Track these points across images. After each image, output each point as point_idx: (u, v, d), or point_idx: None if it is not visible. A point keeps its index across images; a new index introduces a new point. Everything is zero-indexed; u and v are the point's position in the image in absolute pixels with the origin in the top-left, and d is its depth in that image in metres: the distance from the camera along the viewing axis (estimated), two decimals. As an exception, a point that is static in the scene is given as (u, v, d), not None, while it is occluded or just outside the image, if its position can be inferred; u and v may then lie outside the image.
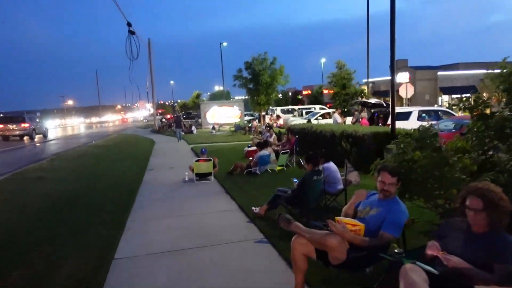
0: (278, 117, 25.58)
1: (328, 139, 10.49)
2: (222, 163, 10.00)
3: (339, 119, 13.78)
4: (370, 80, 55.68)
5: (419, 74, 43.33)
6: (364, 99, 15.03)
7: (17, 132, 26.15)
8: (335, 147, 10.12)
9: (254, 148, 12.68)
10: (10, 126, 25.92)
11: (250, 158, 9.57)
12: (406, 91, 20.24)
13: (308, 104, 49.37)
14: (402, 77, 43.67)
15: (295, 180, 5.10)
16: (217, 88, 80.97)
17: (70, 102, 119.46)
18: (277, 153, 9.98)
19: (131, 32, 15.58)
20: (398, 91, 22.58)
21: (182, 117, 43.12)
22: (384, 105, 13.17)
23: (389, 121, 13.30)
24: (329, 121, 22.85)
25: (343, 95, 17.63)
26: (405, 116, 13.52)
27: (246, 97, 50.11)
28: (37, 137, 27.35)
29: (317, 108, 30.29)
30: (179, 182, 9.22)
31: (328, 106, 36.48)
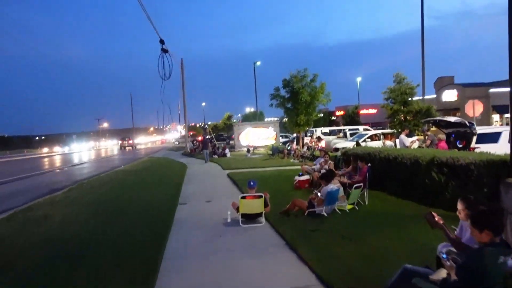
0: (319, 139, 23.23)
1: (409, 168, 8.11)
2: (270, 198, 7.85)
3: (407, 142, 11.39)
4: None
5: (468, 91, 39.81)
6: (440, 117, 12.52)
7: None
8: (420, 179, 7.73)
9: (306, 177, 10.49)
10: None
11: (314, 195, 7.35)
12: (473, 109, 17.45)
13: (344, 125, 46.70)
14: (449, 94, 40.36)
15: (444, 256, 2.81)
16: (248, 109, 79.92)
17: (105, 125, 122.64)
18: (343, 186, 7.72)
19: (164, 50, 14.30)
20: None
21: (214, 139, 41.84)
22: (467, 124, 10.65)
23: (473, 144, 10.75)
24: (378, 143, 20.32)
25: (405, 113, 15.17)
26: (493, 137, 10.92)
27: (280, 118, 48.21)
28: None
29: (361, 129, 27.73)
30: (219, 224, 7.12)
31: (368, 126, 33.75)
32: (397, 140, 20.23)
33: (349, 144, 21.04)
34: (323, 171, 9.88)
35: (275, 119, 58.88)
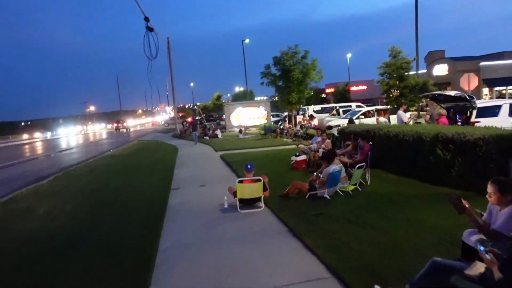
0: (311, 117, 22.87)
1: (412, 145, 7.78)
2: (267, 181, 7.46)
3: (405, 118, 11.03)
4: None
5: (459, 65, 39.50)
6: (439, 91, 12.16)
7: None
8: (424, 156, 7.40)
9: (303, 157, 10.13)
10: None
11: (315, 176, 6.97)
12: (468, 83, 17.16)
13: (334, 102, 46.29)
14: (440, 69, 40.07)
15: (482, 249, 2.44)
16: (238, 89, 78.84)
17: (92, 108, 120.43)
18: (344, 166, 7.36)
19: (149, 29, 13.63)
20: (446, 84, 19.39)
21: (204, 120, 41.13)
22: (468, 98, 10.31)
23: (473, 119, 10.46)
24: (372, 120, 20.03)
25: (401, 88, 14.74)
26: (493, 111, 10.63)
27: (271, 97, 47.57)
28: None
29: (353, 106, 27.36)
30: (216, 210, 6.74)
31: (359, 102, 33.46)
32: (392, 117, 19.96)
33: (343, 122, 20.67)
34: (321, 150, 9.51)
35: (265, 98, 58.20)
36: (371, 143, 7.78)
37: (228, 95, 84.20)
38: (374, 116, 20.28)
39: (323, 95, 68.62)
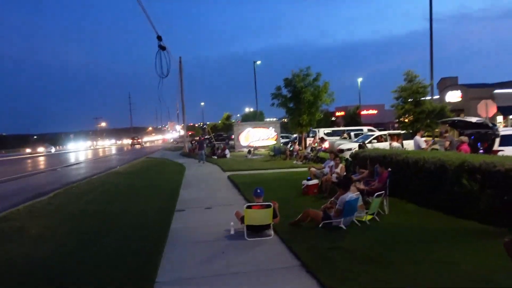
0: (322, 139, 22.40)
1: (433, 174, 7.25)
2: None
3: (423, 144, 10.50)
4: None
5: (472, 92, 38.90)
6: (459, 118, 11.67)
7: None
8: (447, 186, 6.86)
9: (315, 181, 9.63)
10: None
11: (329, 203, 6.46)
12: (486, 110, 16.59)
13: (344, 126, 45.85)
14: (453, 95, 39.53)
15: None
16: (248, 109, 79.01)
17: (103, 124, 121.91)
18: (360, 193, 6.85)
19: (162, 48, 13.60)
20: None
21: (213, 139, 40.92)
22: (490, 125, 9.80)
23: (496, 147, 9.90)
24: (384, 144, 19.48)
25: (417, 113, 14.26)
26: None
27: (280, 119, 47.36)
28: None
29: (365, 129, 26.89)
30: (221, 236, 6.24)
31: (372, 127, 32.90)
32: (406, 142, 19.39)
33: (354, 145, 20.19)
34: (334, 175, 9.01)
35: (274, 119, 58.05)
36: (389, 169, 7.27)
37: (238, 115, 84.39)
38: (387, 141, 19.77)
39: (333, 118, 68.32)
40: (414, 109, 14.38)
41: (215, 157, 24.95)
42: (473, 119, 10.50)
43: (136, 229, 6.82)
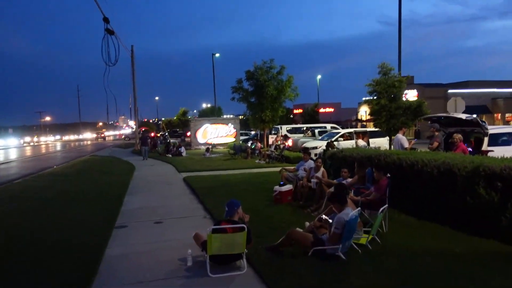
0: (286, 137, 21.09)
1: (436, 180, 5.98)
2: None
3: (406, 143, 9.33)
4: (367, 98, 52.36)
5: (428, 91, 39.90)
6: (445, 114, 10.67)
7: None
8: (457, 195, 5.61)
9: (289, 187, 8.13)
10: None
11: (318, 221, 4.90)
12: (455, 107, 16.10)
13: (303, 123, 45.33)
14: (410, 94, 40.17)
15: None
16: (205, 105, 76.50)
17: (48, 119, 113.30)
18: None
19: (109, 31, 11.49)
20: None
21: (168, 136, 38.39)
22: (480, 122, 8.84)
23: (484, 146, 8.96)
24: (350, 143, 18.56)
25: (393, 109, 13.23)
26: (509, 139, 9.21)
27: (243, 114, 45.87)
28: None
29: (328, 127, 25.98)
30: (174, 270, 4.50)
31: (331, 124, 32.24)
32: (372, 140, 18.55)
33: (320, 144, 19.06)
34: (314, 181, 7.54)
35: (232, 116, 56.30)
36: (389, 175, 5.89)
37: (195, 111, 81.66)
38: (353, 139, 18.86)
39: (291, 116, 67.89)
40: (390, 105, 13.37)
41: (169, 155, 22.80)
42: (463, 116, 9.53)
43: (51, 261, 4.85)
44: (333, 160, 9.19)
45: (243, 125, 41.22)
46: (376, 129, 21.15)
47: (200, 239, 4.68)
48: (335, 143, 17.70)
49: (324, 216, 4.71)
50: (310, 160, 8.96)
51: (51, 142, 76.90)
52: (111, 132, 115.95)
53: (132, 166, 17.40)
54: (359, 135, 19.05)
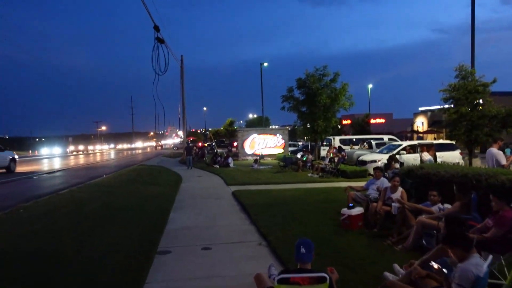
0: (340, 149, 19.53)
1: None
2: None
3: (503, 159, 7.54)
4: (428, 108, 48.55)
5: (503, 100, 36.02)
6: None
7: None
8: None
9: (359, 210, 6.78)
10: None
11: (422, 270, 3.54)
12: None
13: (353, 134, 43.17)
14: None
15: None
16: (251, 116, 76.27)
17: (103, 128, 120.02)
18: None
19: (159, 40, 11.14)
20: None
21: (215, 146, 38.15)
22: None
23: None
24: (414, 156, 16.67)
25: (476, 118, 11.30)
26: None
27: (284, 126, 44.64)
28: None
29: (385, 138, 24.00)
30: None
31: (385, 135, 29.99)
32: (439, 154, 16.46)
33: (378, 157, 17.32)
34: (395, 205, 6.12)
35: (277, 126, 55.30)
36: (512, 205, 4.39)
37: (241, 121, 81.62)
38: (417, 152, 16.92)
39: (338, 126, 65.53)
40: (471, 113, 11.46)
41: (217, 166, 22.10)
42: None
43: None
44: (408, 177, 7.68)
45: (291, 136, 40.03)
46: (444, 142, 18.99)
47: (262, 283, 3.53)
48: (398, 156, 15.95)
49: (435, 265, 3.36)
50: (383, 178, 7.54)
51: (106, 150, 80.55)
52: (162, 142, 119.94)
53: (179, 177, 16.81)
54: (424, 148, 17.11)
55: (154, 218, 7.91)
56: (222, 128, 72.56)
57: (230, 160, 22.92)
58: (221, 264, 5.17)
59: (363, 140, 23.90)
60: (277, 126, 59.06)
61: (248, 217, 8.16)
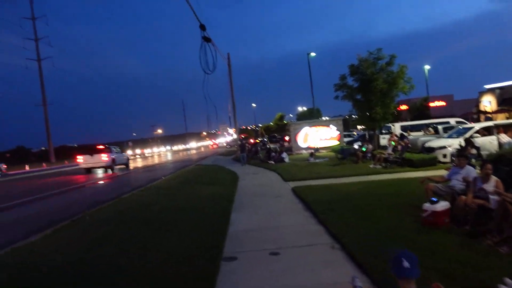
0: (402, 136, 18.17)
1: None
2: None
3: None
4: (496, 85, 44.24)
5: None
6: None
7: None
8: None
9: (445, 205, 5.92)
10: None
11: None
12: None
13: (411, 120, 40.68)
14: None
15: None
16: (301, 108, 75.06)
17: (159, 131, 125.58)
18: None
19: (206, 39, 10.94)
20: None
21: (267, 141, 37.87)
22: None
23: None
24: (489, 139, 15.02)
25: None
26: None
27: (335, 116, 43.06)
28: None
29: (452, 121, 22.03)
30: None
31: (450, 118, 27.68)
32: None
33: (448, 142, 15.80)
34: (494, 198, 5.22)
35: (327, 118, 53.64)
36: None
37: (291, 115, 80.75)
38: (493, 135, 15.20)
39: (395, 113, 62.19)
40: None
41: (272, 162, 21.70)
42: None
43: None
44: (503, 165, 6.61)
45: (344, 126, 38.64)
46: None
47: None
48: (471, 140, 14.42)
49: None
50: (468, 167, 6.57)
51: (163, 152, 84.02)
52: (215, 140, 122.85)
53: (235, 175, 16.64)
54: (501, 129, 15.37)
55: (216, 220, 7.63)
56: (272, 123, 72.30)
57: (284, 155, 22.41)
58: (293, 272, 4.68)
59: (427, 125, 22.12)
60: (327, 118, 57.56)
61: (313, 216, 7.59)
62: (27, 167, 43.80)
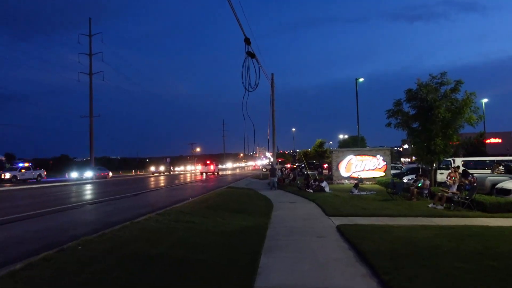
0: (466, 173, 15.51)
1: None
2: None
3: None
4: None
5: None
6: None
7: None
8: None
9: None
10: None
11: None
12: None
13: (463, 155, 37.06)
14: None
15: None
16: (342, 136, 72.18)
17: (197, 150, 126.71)
18: None
19: (250, 54, 10.31)
20: None
21: (305, 167, 35.73)
22: None
23: None
24: None
25: None
26: None
27: (381, 147, 40.02)
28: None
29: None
30: None
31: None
32: None
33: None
34: None
35: (369, 147, 50.47)
36: None
37: (331, 142, 77.87)
38: None
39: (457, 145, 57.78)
40: None
41: (311, 191, 19.59)
42: None
43: None
44: None
45: (392, 156, 35.69)
46: None
47: None
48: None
49: None
50: None
51: (196, 171, 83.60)
52: (250, 163, 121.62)
53: (269, 203, 14.74)
54: None
55: (240, 266, 5.78)
56: (311, 149, 69.85)
57: (324, 184, 20.25)
58: None
59: (498, 162, 19.09)
60: (369, 147, 54.42)
61: (372, 274, 5.53)
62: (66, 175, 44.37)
